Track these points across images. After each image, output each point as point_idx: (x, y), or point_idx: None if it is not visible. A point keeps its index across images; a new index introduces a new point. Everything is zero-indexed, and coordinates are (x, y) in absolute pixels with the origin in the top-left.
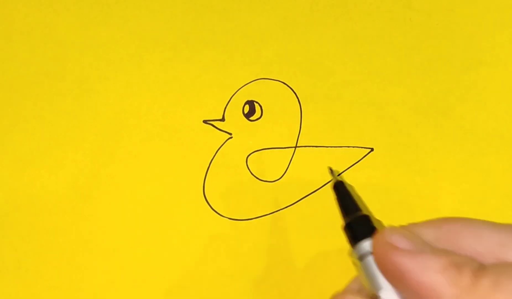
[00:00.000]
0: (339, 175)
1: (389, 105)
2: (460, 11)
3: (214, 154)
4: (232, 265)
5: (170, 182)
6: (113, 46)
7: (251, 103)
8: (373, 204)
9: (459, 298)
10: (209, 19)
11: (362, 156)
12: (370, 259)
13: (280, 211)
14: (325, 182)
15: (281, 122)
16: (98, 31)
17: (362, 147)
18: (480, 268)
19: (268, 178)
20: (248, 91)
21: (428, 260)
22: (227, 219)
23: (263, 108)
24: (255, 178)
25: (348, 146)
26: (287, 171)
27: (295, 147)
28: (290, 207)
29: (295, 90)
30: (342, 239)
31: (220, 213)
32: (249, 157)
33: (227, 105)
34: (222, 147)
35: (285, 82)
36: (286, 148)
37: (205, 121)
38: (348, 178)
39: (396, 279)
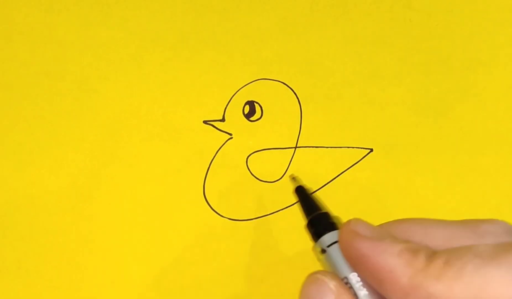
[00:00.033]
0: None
1: (389, 105)
2: (460, 12)
3: (214, 154)
4: (232, 265)
5: (170, 182)
6: (113, 46)
7: (251, 103)
8: (373, 204)
9: (413, 277)
10: (209, 19)
11: (362, 156)
12: (332, 249)
13: (280, 211)
14: (325, 182)
15: (281, 123)
16: (98, 31)
17: (361, 147)
18: (433, 253)
19: (268, 178)
20: (248, 92)
21: (386, 245)
22: (227, 219)
23: (263, 108)
24: (255, 178)
25: (348, 147)
26: (287, 171)
27: (295, 147)
28: (290, 207)
29: (295, 90)
30: None
31: (220, 213)
32: (249, 157)
33: (227, 105)
34: (222, 147)
35: (285, 82)
36: (286, 149)
37: (205, 122)
38: (348, 178)
39: (358, 263)
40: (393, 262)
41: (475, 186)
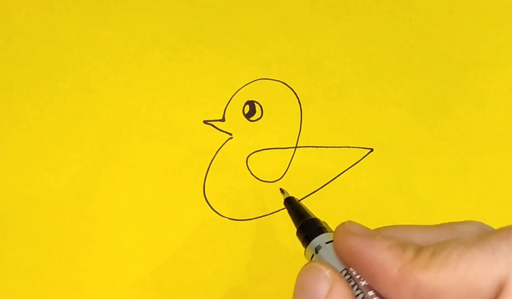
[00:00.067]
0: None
1: (389, 105)
2: (460, 12)
3: (214, 154)
4: (232, 265)
5: (170, 182)
6: (113, 46)
7: (251, 103)
8: (373, 203)
9: (403, 268)
10: (209, 19)
11: (362, 156)
12: (323, 250)
13: (280, 211)
14: (325, 182)
15: (281, 123)
16: (98, 31)
17: (361, 147)
18: (421, 247)
19: (268, 178)
20: (248, 92)
21: (377, 241)
22: (227, 219)
23: (263, 108)
24: (255, 178)
25: (348, 147)
26: (287, 171)
27: (295, 147)
28: None
29: (295, 90)
30: None
31: (220, 213)
32: (249, 157)
33: (227, 105)
34: (222, 147)
35: (285, 82)
36: (286, 149)
37: (205, 122)
38: (348, 178)
39: (351, 258)
40: (383, 255)
41: (474, 186)
